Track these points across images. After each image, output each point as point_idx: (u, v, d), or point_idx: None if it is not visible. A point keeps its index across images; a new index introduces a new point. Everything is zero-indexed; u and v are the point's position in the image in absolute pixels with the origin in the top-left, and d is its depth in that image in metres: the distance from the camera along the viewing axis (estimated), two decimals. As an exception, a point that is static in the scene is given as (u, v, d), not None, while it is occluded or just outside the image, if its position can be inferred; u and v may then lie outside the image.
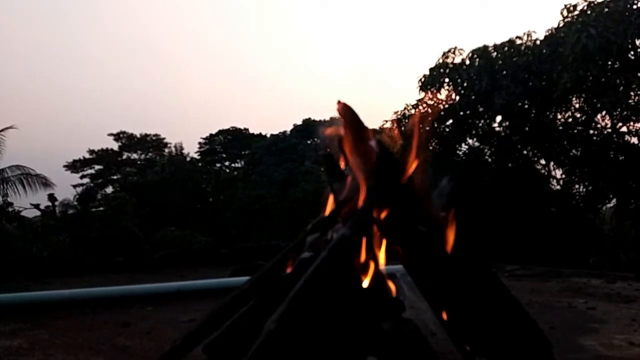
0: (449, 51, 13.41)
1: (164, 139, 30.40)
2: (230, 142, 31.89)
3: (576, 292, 7.08)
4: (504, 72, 12.35)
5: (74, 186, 26.11)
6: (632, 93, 11.54)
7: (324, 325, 2.97)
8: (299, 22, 56.35)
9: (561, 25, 12.01)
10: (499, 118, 13.56)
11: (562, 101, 12.21)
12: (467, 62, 13.05)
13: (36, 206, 16.85)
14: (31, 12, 45.69)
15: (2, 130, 12.88)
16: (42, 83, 45.61)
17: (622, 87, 11.22)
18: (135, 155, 30.27)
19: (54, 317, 5.68)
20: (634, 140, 12.36)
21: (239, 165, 31.23)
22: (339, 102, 3.20)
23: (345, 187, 3.40)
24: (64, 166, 29.11)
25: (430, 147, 12.67)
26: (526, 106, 12.89)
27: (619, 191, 12.46)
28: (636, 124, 12.17)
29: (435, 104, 13.67)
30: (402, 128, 13.52)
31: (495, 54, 12.79)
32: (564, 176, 13.61)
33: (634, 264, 10.80)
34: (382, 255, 3.39)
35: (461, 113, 13.16)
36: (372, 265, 3.29)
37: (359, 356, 2.94)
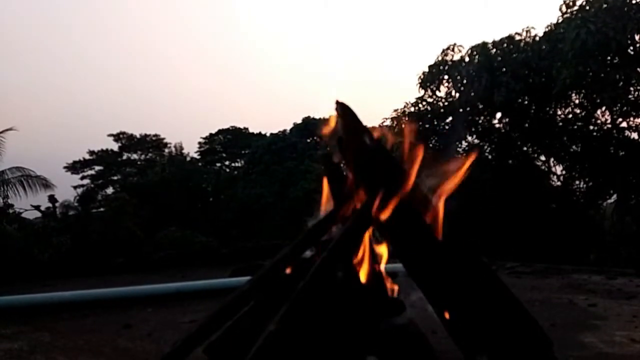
0: (448, 48, 13.39)
1: (163, 139, 30.30)
2: (230, 141, 31.82)
3: (577, 288, 7.08)
4: (504, 68, 12.33)
5: (75, 187, 26.05)
6: (631, 88, 11.52)
7: (325, 325, 2.97)
8: (298, 21, 56.26)
9: (560, 21, 11.99)
10: (498, 115, 13.55)
11: (561, 97, 12.19)
12: (467, 59, 13.02)
13: (37, 208, 16.84)
14: (30, 14, 45.67)
15: (2, 132, 12.85)
16: (41, 84, 45.56)
17: (621, 83, 11.20)
18: (135, 156, 30.19)
19: (55, 320, 5.69)
20: (634, 135, 12.36)
21: (239, 164, 31.18)
22: (337, 101, 3.19)
23: (345, 186, 3.39)
24: (64, 167, 29.02)
25: (430, 145, 12.66)
26: (526, 102, 12.87)
27: (620, 187, 12.45)
28: (636, 119, 12.17)
29: (435, 102, 13.67)
30: (402, 126, 13.53)
31: (494, 50, 12.77)
32: (564, 172, 13.61)
33: (635, 259, 10.79)
34: (381, 255, 3.39)
35: (461, 110, 13.14)
36: (372, 265, 3.29)
37: (359, 356, 2.94)
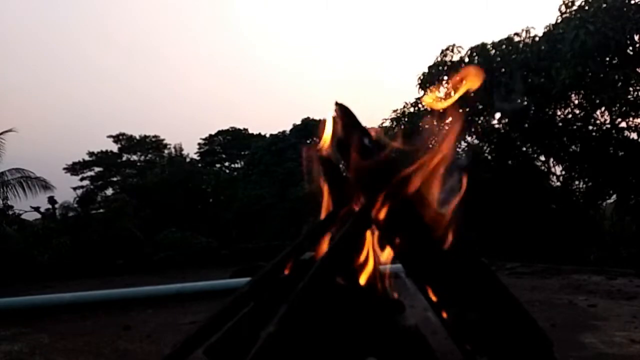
0: (448, 49, 13.40)
1: (163, 140, 30.35)
2: (230, 142, 31.87)
3: (577, 289, 7.08)
4: (503, 69, 12.34)
5: (74, 188, 26.07)
6: (630, 89, 11.53)
7: (325, 326, 2.97)
8: (298, 21, 56.31)
9: (559, 21, 12.00)
10: (498, 115, 13.56)
11: (561, 98, 12.20)
12: (466, 59, 13.04)
13: (36, 209, 16.88)
14: (30, 15, 45.70)
15: (1, 134, 12.86)
16: (41, 86, 45.63)
17: (620, 83, 11.21)
18: (134, 157, 30.22)
19: (54, 321, 5.69)
20: (634, 135, 12.36)
21: (239, 165, 31.22)
22: (336, 102, 3.19)
23: (344, 187, 3.39)
24: (64, 169, 29.09)
25: (430, 146, 12.63)
26: (525, 103, 12.88)
27: (619, 187, 12.45)
28: (635, 120, 12.17)
29: (434, 102, 13.66)
30: (402, 126, 13.55)
31: (493, 51, 12.78)
32: (563, 172, 13.61)
33: (635, 259, 10.79)
34: (381, 255, 3.38)
35: (460, 110, 13.14)
36: (371, 265, 3.29)
37: (359, 356, 2.94)
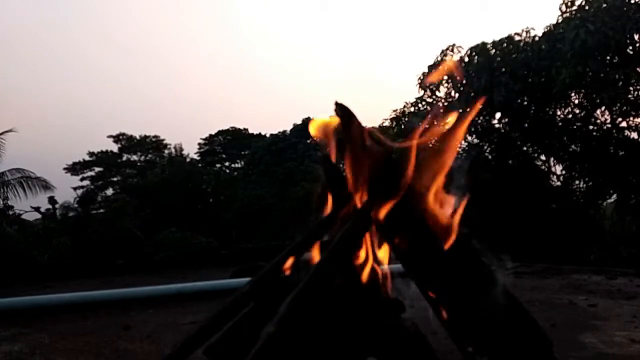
0: (448, 49, 13.40)
1: (163, 140, 30.36)
2: (230, 142, 31.90)
3: (577, 289, 7.08)
4: (503, 69, 12.33)
5: (74, 188, 26.08)
6: (631, 88, 11.52)
7: (324, 326, 2.96)
8: (298, 21, 56.32)
9: (560, 21, 11.99)
10: (498, 115, 13.55)
11: (561, 97, 12.19)
12: (466, 59, 13.03)
13: (37, 209, 16.89)
14: (30, 15, 45.71)
15: (1, 134, 12.87)
16: (41, 86, 45.66)
17: (621, 83, 11.21)
18: (135, 157, 30.23)
19: (54, 321, 5.69)
20: (634, 135, 12.36)
21: (239, 165, 31.24)
22: (336, 102, 3.19)
23: (344, 187, 3.39)
24: (64, 169, 29.13)
25: (431, 145, 12.62)
26: (525, 103, 12.87)
27: (620, 186, 12.45)
28: (636, 119, 12.17)
29: (434, 102, 13.67)
30: (402, 126, 13.54)
31: (493, 51, 12.77)
32: (564, 172, 13.61)
33: (635, 259, 10.79)
34: (381, 256, 3.38)
35: (460, 110, 13.14)
36: (372, 266, 3.29)
37: (359, 356, 2.94)
